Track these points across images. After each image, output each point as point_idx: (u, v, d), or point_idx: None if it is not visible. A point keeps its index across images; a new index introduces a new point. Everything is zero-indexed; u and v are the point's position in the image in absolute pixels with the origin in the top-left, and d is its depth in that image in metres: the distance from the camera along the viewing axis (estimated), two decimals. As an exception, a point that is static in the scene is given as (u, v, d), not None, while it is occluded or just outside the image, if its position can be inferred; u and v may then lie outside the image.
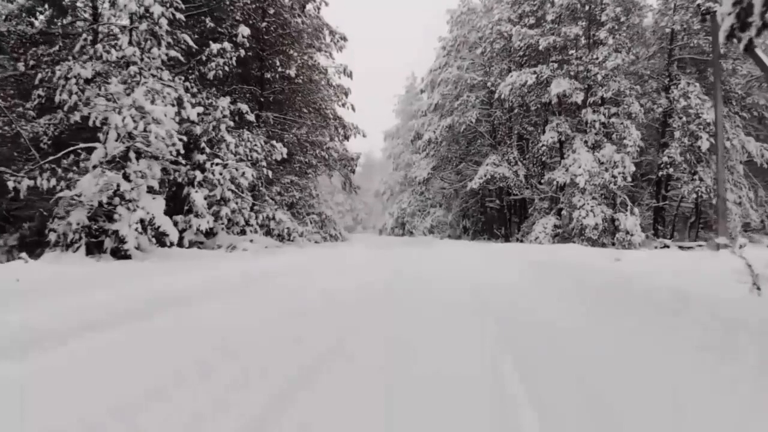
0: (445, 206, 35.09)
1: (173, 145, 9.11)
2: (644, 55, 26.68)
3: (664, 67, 26.19)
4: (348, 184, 27.05)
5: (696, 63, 26.59)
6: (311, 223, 20.86)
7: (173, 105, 9.63)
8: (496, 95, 23.69)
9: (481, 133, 26.35)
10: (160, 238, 11.85)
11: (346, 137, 26.10)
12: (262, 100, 16.56)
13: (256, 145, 13.10)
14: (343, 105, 24.49)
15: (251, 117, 14.67)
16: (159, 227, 9.63)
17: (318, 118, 18.96)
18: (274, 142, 13.96)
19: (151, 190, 10.88)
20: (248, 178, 12.05)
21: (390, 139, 49.01)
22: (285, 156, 14.27)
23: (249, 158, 13.29)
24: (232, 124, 12.83)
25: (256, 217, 14.22)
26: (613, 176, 22.51)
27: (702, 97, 24.18)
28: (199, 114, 12.39)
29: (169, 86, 9.63)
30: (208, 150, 12.27)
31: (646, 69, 26.36)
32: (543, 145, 23.50)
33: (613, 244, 23.23)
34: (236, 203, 12.95)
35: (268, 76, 15.57)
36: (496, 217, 28.74)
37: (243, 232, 14.18)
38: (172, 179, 12.15)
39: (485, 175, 23.78)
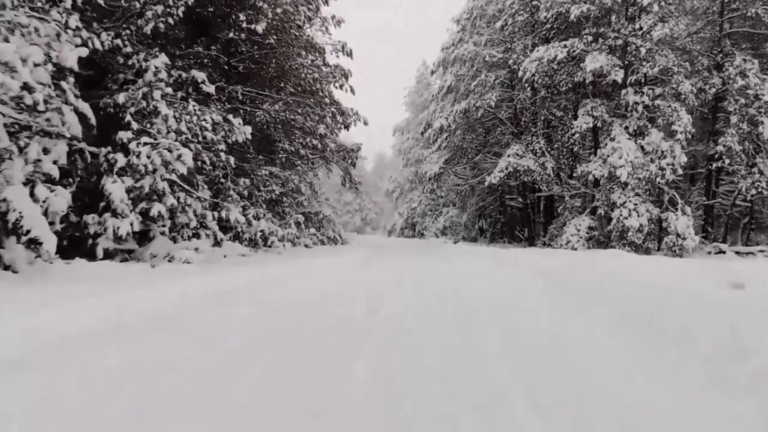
0: (459, 205, 31.58)
1: (35, 104, 5.78)
2: (690, 29, 22.95)
3: (715, 42, 22.44)
4: (348, 179, 23.68)
5: (751, 37, 22.82)
6: (297, 224, 17.53)
7: (48, 46, 6.31)
8: (520, 74, 20.14)
9: (501, 120, 22.82)
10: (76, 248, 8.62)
11: (346, 126, 22.76)
12: (227, 68, 13.23)
13: (205, 120, 9.74)
14: (341, 87, 21.17)
15: (209, 88, 11.36)
16: (29, 232, 6.34)
17: (301, 93, 15.59)
18: (232, 117, 10.58)
19: (49, 179, 7.66)
20: (186, 163, 8.71)
21: (399, 133, 45.60)
22: (248, 137, 10.93)
23: (199, 138, 9.96)
24: (170, 91, 9.51)
25: (214, 218, 10.87)
26: (661, 168, 18.87)
27: (761, 76, 20.45)
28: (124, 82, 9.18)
29: (41, 18, 6.31)
30: (135, 126, 8.95)
31: (694, 44, 22.64)
32: (575, 132, 19.92)
33: (659, 250, 19.58)
34: (179, 198, 9.62)
35: (232, 35, 12.21)
36: (518, 217, 25.21)
37: (196, 236, 10.87)
38: (87, 166, 8.88)
39: (507, 168, 20.24)
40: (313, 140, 18.14)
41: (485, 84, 20.87)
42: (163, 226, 9.69)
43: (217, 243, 11.92)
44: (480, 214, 27.98)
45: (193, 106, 9.75)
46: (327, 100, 21.12)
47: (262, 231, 12.84)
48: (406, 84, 51.30)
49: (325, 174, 48.32)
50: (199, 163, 10.46)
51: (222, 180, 11.90)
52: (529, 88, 22.19)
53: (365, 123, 22.44)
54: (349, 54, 21.99)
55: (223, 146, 10.83)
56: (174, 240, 10.14)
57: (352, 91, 21.60)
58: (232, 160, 11.29)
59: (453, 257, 15.42)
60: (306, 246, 18.82)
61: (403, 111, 51.28)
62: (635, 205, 18.79)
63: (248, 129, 10.94)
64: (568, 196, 20.70)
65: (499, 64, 21.71)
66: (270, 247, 13.66)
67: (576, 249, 19.15)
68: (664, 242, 18.62)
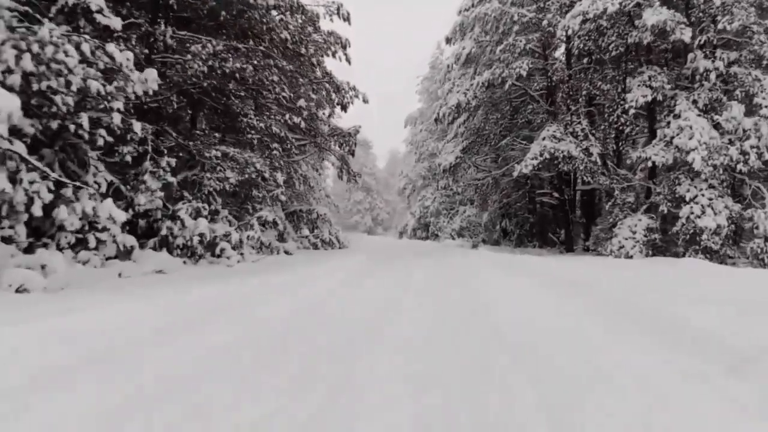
0: (478, 203, 27.38)
1: None
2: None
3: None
4: (345, 170, 19.69)
5: None
6: (273, 224, 13.60)
7: None
8: (559, 32, 15.99)
9: (532, 96, 18.61)
10: None
11: (342, 105, 18.78)
12: (162, 1, 9.19)
13: (66, 51, 5.82)
14: (334, 54, 17.19)
15: (111, 21, 7.43)
16: None
17: (281, 56, 11.58)
18: (113, 48, 6.62)
19: None
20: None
21: (411, 125, 41.50)
22: (152, 88, 6.99)
23: (71, 84, 6.06)
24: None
25: (111, 217, 6.97)
26: (743, 152, 14.59)
27: None
28: None
29: None
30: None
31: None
32: (629, 108, 15.69)
33: (741, 257, 15.25)
34: (18, 178, 5.74)
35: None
36: (551, 216, 21.02)
37: (82, 243, 6.98)
38: None
39: (541, 155, 16.08)
40: (294, 117, 14.15)
41: (514, 49, 16.70)
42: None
43: (127, 252, 8.02)
44: (504, 213, 23.80)
45: (60, 32, 5.82)
46: (318, 72, 17.19)
47: (201, 235, 8.88)
48: (420, 72, 47.21)
49: (325, 167, 44.55)
50: (74, 126, 6.53)
51: (127, 157, 7.96)
52: (565, 57, 17.99)
53: (365, 101, 18.44)
54: (347, 19, 18.04)
55: (118, 104, 6.90)
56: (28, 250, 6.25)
57: (348, 60, 17.61)
58: (138, 126, 7.36)
59: (476, 269, 11.34)
60: (287, 252, 14.86)
61: (416, 101, 47.20)
62: (710, 199, 14.53)
63: (152, 74, 6.98)
64: (618, 189, 16.45)
65: (530, 26, 17.53)
66: (219, 256, 9.71)
67: (632, 257, 14.94)
68: (749, 248, 14.31)
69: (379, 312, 5.59)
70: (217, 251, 9.72)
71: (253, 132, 12.87)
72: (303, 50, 14.87)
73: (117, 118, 6.96)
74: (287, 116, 13.98)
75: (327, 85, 18.28)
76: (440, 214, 36.18)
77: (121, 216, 6.94)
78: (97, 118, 7.32)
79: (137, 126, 7.35)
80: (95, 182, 7.49)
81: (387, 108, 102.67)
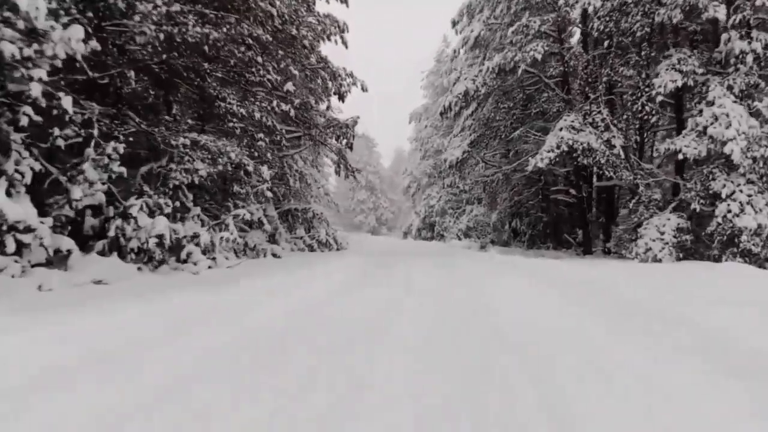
0: (486, 201, 25.81)
1: None
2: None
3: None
4: (342, 166, 18.22)
5: None
6: (258, 224, 12.14)
7: None
8: (574, 15, 14.44)
9: (547, 84, 17.03)
10: None
11: (340, 95, 17.34)
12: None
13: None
14: (329, 37, 15.75)
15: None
16: None
17: (255, 20, 10.08)
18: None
19: None
20: None
21: (416, 120, 39.94)
22: (81, 50, 5.51)
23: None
24: None
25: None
26: (786, 143, 13.01)
27: None
28: None
29: None
30: None
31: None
32: (657, 94, 14.12)
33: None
34: None
35: None
36: (566, 215, 19.45)
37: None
38: None
39: (558, 147, 14.54)
40: (283, 104, 12.67)
41: (527, 31, 15.14)
42: None
43: (63, 257, 6.57)
44: (515, 212, 22.22)
45: None
46: (313, 58, 15.72)
47: (160, 236, 7.41)
48: (422, 68, 45.47)
49: (325, 164, 43.14)
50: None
51: (83, 143, 6.51)
52: (582, 41, 16.40)
53: (363, 89, 17.01)
54: (344, 0, 16.61)
55: (40, 71, 5.48)
56: None
57: (345, 44, 16.15)
58: (68, 102, 5.92)
59: (489, 276, 9.84)
60: (275, 255, 13.39)
61: (421, 98, 45.72)
62: (749, 196, 12.94)
63: (77, 32, 5.51)
64: (642, 185, 14.88)
65: (544, 6, 15.97)
66: (185, 261, 8.24)
67: (660, 260, 13.37)
68: (794, 251, 12.71)
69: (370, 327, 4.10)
70: (183, 255, 8.26)
71: (235, 120, 11.40)
72: (294, 31, 13.40)
73: (36, 89, 5.51)
74: (275, 102, 12.49)
75: (322, 72, 16.82)
76: (446, 214, 34.64)
77: (32, 215, 5.47)
78: (20, 92, 5.87)
79: (67, 102, 5.88)
80: (17, 171, 6.02)
81: (388, 108, 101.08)
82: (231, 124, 11.44)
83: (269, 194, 12.18)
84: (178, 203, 8.86)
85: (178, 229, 7.84)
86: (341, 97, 17.33)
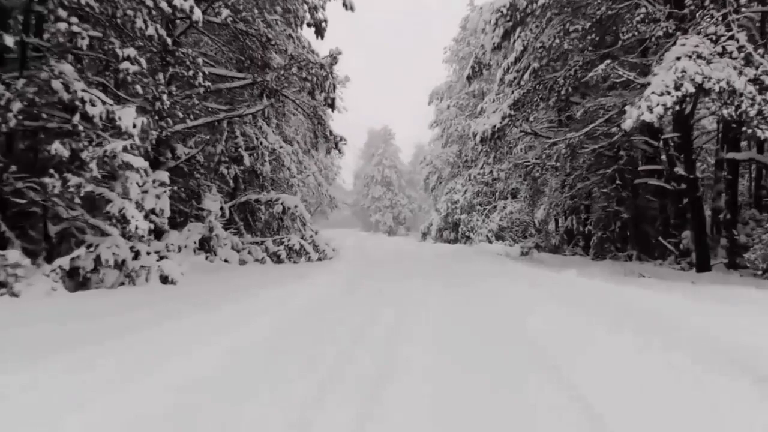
0: (528, 192, 19.37)
1: None
2: None
3: None
4: (320, 133, 12.23)
5: None
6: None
7: None
8: None
9: (642, -4, 10.60)
10: None
11: (317, 28, 11.42)
12: None
13: None
14: None
15: None
16: None
17: None
18: None
19: None
20: None
21: (437, 100, 33.69)
22: None
23: None
24: None
25: None
26: None
27: None
28: None
29: None
30: None
31: None
32: None
33: None
34: None
35: None
36: (656, 210, 13.04)
37: None
38: None
39: (677, 87, 8.33)
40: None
41: None
42: None
43: None
44: (571, 208, 15.87)
45: None
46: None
47: None
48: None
49: (333, 155, 37.02)
50: None
51: None
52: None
53: (350, 8, 10.94)
54: None
55: None
56: None
57: None
58: None
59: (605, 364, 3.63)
60: (165, 280, 7.33)
61: (443, 74, 39.52)
62: None
63: None
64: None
65: None
66: None
67: None
68: None
69: None
70: None
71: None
72: None
73: None
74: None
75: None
76: (473, 210, 28.36)
77: None
78: None
79: None
80: None
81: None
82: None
83: (136, 160, 6.21)
84: None
85: None
86: (319, 31, 11.32)
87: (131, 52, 6.56)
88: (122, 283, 6.87)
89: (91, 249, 6.44)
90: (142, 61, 6.66)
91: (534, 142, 17.52)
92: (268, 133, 14.50)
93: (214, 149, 12.01)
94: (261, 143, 14.02)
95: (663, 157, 12.25)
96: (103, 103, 6.13)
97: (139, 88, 6.50)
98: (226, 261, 10.67)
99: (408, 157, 64.98)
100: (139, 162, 6.28)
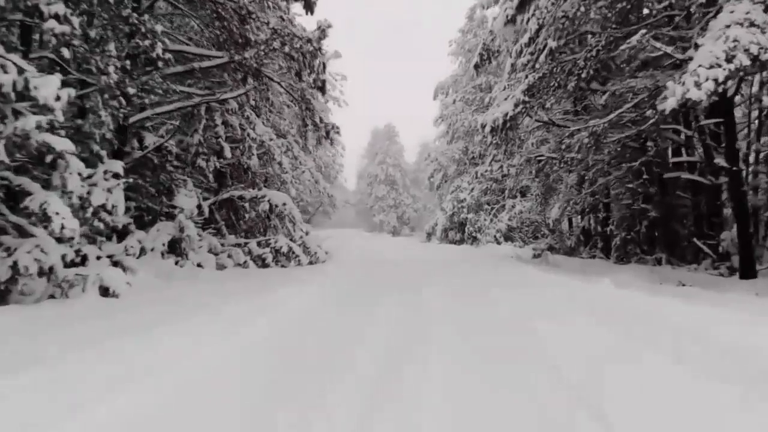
0: (538, 190, 17.96)
1: None
2: None
3: None
4: (308, 120, 10.89)
5: None
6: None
7: None
8: None
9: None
10: None
11: (306, 2, 10.10)
12: None
13: None
14: None
15: None
16: None
17: None
18: None
19: None
20: None
21: (443, 94, 32.31)
22: None
23: None
24: None
25: None
26: None
27: None
28: None
29: None
30: None
31: None
32: None
33: None
34: None
35: None
36: (690, 208, 11.59)
37: None
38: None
39: (729, 58, 6.94)
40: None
41: None
42: None
43: None
44: (592, 205, 14.46)
45: None
46: None
47: None
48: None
49: (337, 153, 35.69)
50: None
51: None
52: None
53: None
54: None
55: None
56: None
57: None
58: None
59: None
60: (107, 292, 6.02)
61: (449, 68, 38.14)
62: None
63: None
64: None
65: None
66: None
67: None
68: None
69: None
70: None
71: None
72: None
73: None
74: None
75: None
76: (480, 209, 26.98)
77: None
78: None
79: None
80: None
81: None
82: None
83: (59, 141, 4.90)
84: None
85: None
86: (308, 4, 9.99)
87: (60, 8, 5.25)
88: (52, 296, 5.57)
89: (7, 254, 5.13)
90: (75, 20, 5.35)
91: (548, 135, 16.13)
92: (257, 124, 13.18)
93: (192, 139, 10.70)
94: (248, 135, 12.72)
95: (697, 147, 10.84)
96: (21, 71, 4.82)
97: (66, 51, 5.20)
98: (199, 266, 9.36)
99: (413, 156, 63.43)
100: (64, 144, 4.96)
